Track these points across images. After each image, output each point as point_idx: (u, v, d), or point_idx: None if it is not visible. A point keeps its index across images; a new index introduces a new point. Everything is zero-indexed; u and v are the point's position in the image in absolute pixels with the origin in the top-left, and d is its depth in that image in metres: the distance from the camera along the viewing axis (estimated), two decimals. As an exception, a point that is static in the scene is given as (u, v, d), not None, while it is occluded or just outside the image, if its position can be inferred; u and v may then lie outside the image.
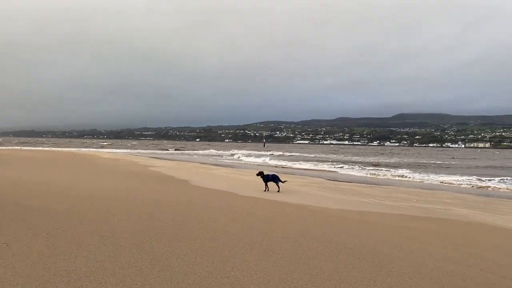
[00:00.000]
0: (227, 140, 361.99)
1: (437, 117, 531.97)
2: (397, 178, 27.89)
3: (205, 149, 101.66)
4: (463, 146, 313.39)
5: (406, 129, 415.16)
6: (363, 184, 22.16)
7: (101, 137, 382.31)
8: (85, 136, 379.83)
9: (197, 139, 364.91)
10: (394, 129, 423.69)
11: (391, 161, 57.83)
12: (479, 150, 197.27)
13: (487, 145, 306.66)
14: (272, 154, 75.27)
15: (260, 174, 16.15)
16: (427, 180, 26.53)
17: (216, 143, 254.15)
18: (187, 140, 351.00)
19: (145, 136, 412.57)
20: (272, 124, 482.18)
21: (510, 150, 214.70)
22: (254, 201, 12.31)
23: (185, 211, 9.51)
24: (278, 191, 15.34)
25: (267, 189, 15.63)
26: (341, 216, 10.04)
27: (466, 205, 14.29)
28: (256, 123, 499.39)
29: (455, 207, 13.59)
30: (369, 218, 10.03)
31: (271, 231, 7.74)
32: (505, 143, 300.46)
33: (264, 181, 15.87)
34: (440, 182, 24.94)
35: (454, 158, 78.60)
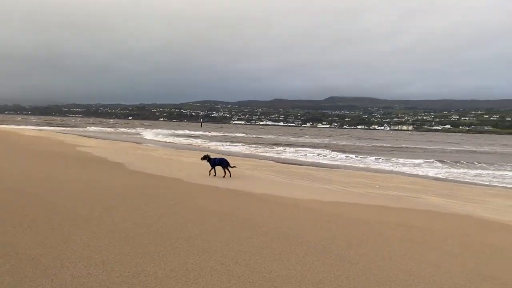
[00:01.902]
0: (162, 119, 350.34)
1: (365, 100, 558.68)
2: (339, 162, 27.36)
3: (135, 127, 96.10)
4: (388, 128, 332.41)
5: (337, 112, 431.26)
6: (313, 167, 21.08)
7: (24, 113, 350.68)
8: (6, 112, 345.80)
9: (130, 117, 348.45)
10: (325, 111, 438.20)
11: (335, 143, 58.42)
12: (408, 133, 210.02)
13: (410, 127, 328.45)
14: (202, 134, 73.19)
15: (206, 158, 14.13)
16: (369, 163, 26.26)
17: (149, 121, 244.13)
18: (119, 118, 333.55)
19: (74, 113, 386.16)
20: (208, 104, 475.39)
21: (431, 133, 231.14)
22: (209, 191, 10.34)
23: (121, 209, 7.34)
24: (229, 176, 13.50)
25: (213, 174, 13.77)
26: (321, 211, 8.44)
27: (432, 191, 13.52)
28: (193, 102, 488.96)
29: (423, 194, 12.70)
30: (352, 212, 8.53)
31: (243, 239, 5.89)
32: (425, 126, 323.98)
33: (211, 165, 13.94)
34: (388, 165, 24.69)
35: (397, 140, 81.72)
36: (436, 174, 20.90)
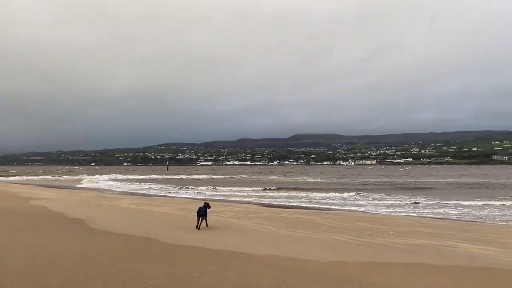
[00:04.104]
0: (126, 164, 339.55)
1: (329, 137, 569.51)
2: (326, 204, 25.40)
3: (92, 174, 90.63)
4: (353, 163, 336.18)
5: (302, 149, 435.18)
6: (303, 210, 18.89)
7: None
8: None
9: (93, 163, 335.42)
10: (291, 149, 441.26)
11: (310, 180, 56.68)
12: (370, 167, 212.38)
13: (374, 162, 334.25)
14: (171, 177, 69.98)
15: (206, 206, 11.91)
16: (356, 203, 24.48)
17: (113, 166, 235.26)
18: (81, 164, 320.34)
19: (33, 161, 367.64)
20: (174, 146, 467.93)
21: (394, 166, 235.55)
22: (198, 256, 7.81)
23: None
24: (206, 226, 11.77)
25: (202, 225, 11.58)
26: (360, 283, 6.12)
27: (451, 234, 11.54)
28: (157, 145, 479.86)
29: (447, 240, 10.65)
30: (404, 282, 6.26)
31: None
32: (388, 160, 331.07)
33: (197, 216, 11.67)
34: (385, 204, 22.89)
35: (384, 176, 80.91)
36: (435, 212, 19.23)
